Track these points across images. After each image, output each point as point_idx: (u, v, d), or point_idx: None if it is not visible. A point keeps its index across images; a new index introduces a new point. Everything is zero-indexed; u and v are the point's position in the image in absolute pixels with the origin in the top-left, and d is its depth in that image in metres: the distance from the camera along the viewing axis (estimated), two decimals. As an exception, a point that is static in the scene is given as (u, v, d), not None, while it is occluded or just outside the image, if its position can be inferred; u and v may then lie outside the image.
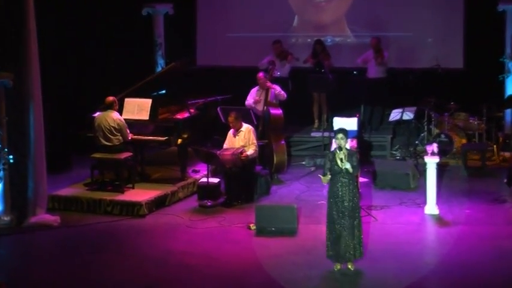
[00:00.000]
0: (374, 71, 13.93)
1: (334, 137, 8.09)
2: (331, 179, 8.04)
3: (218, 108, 11.90)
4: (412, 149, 13.30)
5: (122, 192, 10.75)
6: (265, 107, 11.96)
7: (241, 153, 10.63)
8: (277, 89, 12.16)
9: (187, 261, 8.52)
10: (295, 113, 13.64)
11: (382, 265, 8.30)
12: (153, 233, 9.63)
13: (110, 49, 14.22)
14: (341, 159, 7.86)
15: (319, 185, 11.58)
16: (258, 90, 12.29)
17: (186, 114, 11.53)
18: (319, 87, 13.79)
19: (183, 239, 9.34)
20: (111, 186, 10.98)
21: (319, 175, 7.99)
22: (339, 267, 8.14)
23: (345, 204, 7.98)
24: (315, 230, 9.34)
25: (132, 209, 10.37)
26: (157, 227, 9.88)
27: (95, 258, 8.67)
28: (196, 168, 11.99)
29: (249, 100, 12.20)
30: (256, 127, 11.53)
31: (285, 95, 12.22)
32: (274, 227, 9.53)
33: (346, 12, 15.08)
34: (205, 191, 10.83)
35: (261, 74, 12.31)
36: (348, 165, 7.87)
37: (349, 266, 8.13)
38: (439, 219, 9.98)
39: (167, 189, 10.97)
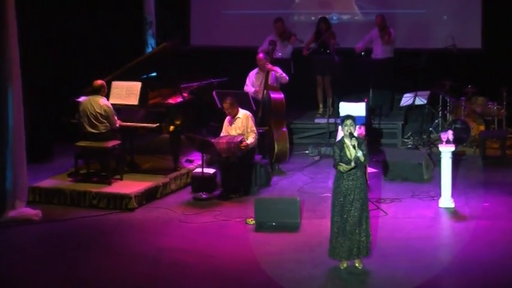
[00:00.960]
0: (381, 51, 13.92)
1: (341, 124, 8.07)
2: (337, 170, 8.01)
3: (214, 93, 11.87)
4: (425, 136, 13.29)
5: (109, 183, 10.75)
6: (265, 91, 11.93)
7: (241, 142, 10.60)
8: (278, 71, 12.13)
9: (180, 259, 8.51)
10: (298, 98, 13.62)
11: (393, 263, 8.30)
12: (143, 229, 9.62)
13: (95, 28, 14.17)
14: (353, 146, 7.83)
15: (324, 176, 11.62)
16: (257, 73, 12.26)
17: (179, 99, 11.51)
18: (324, 70, 13.77)
19: (176, 235, 9.33)
20: (97, 177, 10.98)
21: (340, 163, 7.89)
22: (345, 265, 8.14)
23: (352, 197, 7.97)
24: (319, 225, 9.34)
25: (120, 202, 10.36)
26: (147, 221, 9.87)
27: (79, 256, 8.66)
28: (190, 158, 11.98)
29: (249, 86, 12.15)
30: (255, 113, 11.51)
31: (287, 78, 12.20)
32: (274, 222, 9.52)
33: (354, -13, 15.06)
34: (199, 183, 10.83)
35: (260, 55, 12.29)
36: (359, 153, 7.85)
37: (357, 264, 8.13)
38: (455, 213, 9.97)
39: (158, 180, 10.96)
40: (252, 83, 12.21)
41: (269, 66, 12.04)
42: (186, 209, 10.31)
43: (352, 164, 7.89)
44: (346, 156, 7.90)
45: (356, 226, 7.99)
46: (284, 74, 12.18)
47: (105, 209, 10.33)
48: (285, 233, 9.31)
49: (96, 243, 9.12)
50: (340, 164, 7.91)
